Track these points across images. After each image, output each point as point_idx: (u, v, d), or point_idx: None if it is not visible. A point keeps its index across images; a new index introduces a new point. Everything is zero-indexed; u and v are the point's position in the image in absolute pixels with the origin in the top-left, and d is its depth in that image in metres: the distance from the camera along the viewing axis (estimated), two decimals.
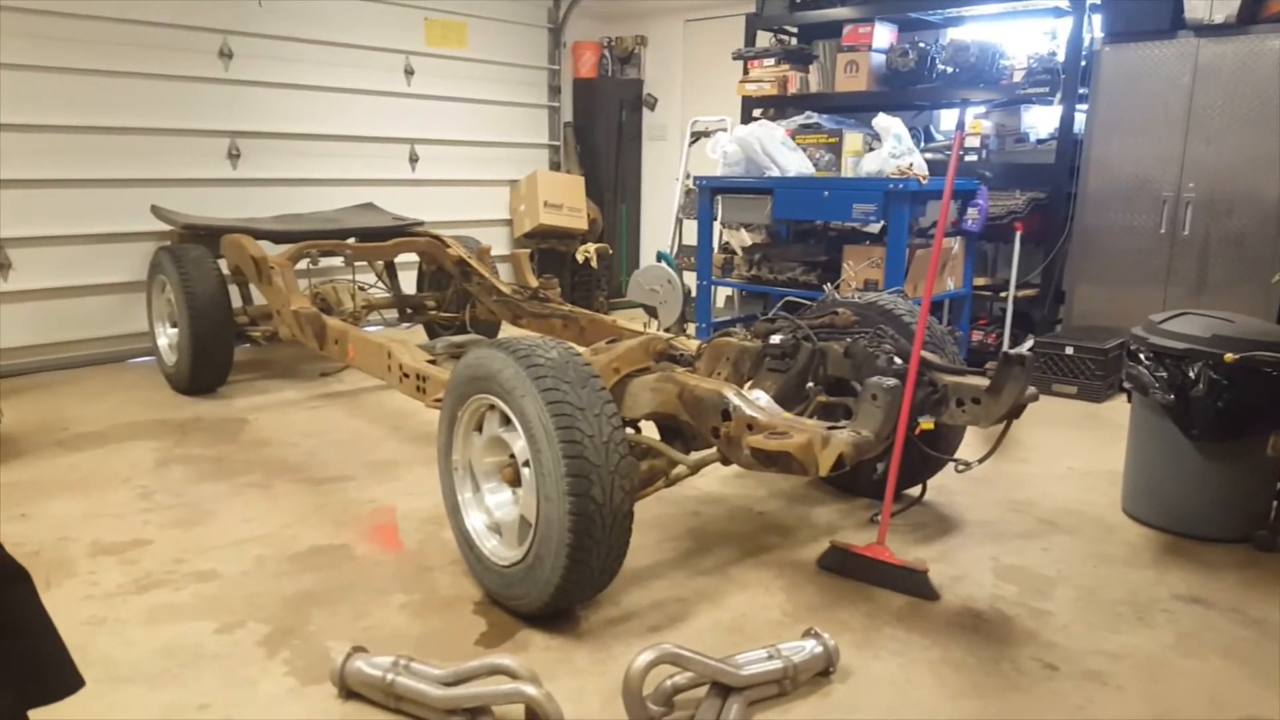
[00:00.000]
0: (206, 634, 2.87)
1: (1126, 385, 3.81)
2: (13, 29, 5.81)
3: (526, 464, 2.77)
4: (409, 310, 6.55)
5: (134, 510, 3.86)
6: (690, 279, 6.91)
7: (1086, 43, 6.16)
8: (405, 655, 2.52)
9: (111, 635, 2.85)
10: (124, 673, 2.65)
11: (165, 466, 4.41)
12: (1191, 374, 3.53)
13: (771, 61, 7.42)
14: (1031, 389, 3.02)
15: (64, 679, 1.54)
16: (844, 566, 3.32)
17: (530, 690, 2.29)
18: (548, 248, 8.64)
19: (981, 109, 6.73)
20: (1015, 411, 3.04)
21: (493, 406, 2.93)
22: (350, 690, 2.52)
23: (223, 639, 2.84)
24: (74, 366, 6.34)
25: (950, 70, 6.60)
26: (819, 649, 2.63)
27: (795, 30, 7.70)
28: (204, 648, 2.79)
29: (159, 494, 4.05)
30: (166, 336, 5.87)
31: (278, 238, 5.97)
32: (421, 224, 6.60)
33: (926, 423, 3.19)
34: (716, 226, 6.74)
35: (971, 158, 6.59)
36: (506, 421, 2.87)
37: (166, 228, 6.21)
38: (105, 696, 2.52)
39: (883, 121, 5.97)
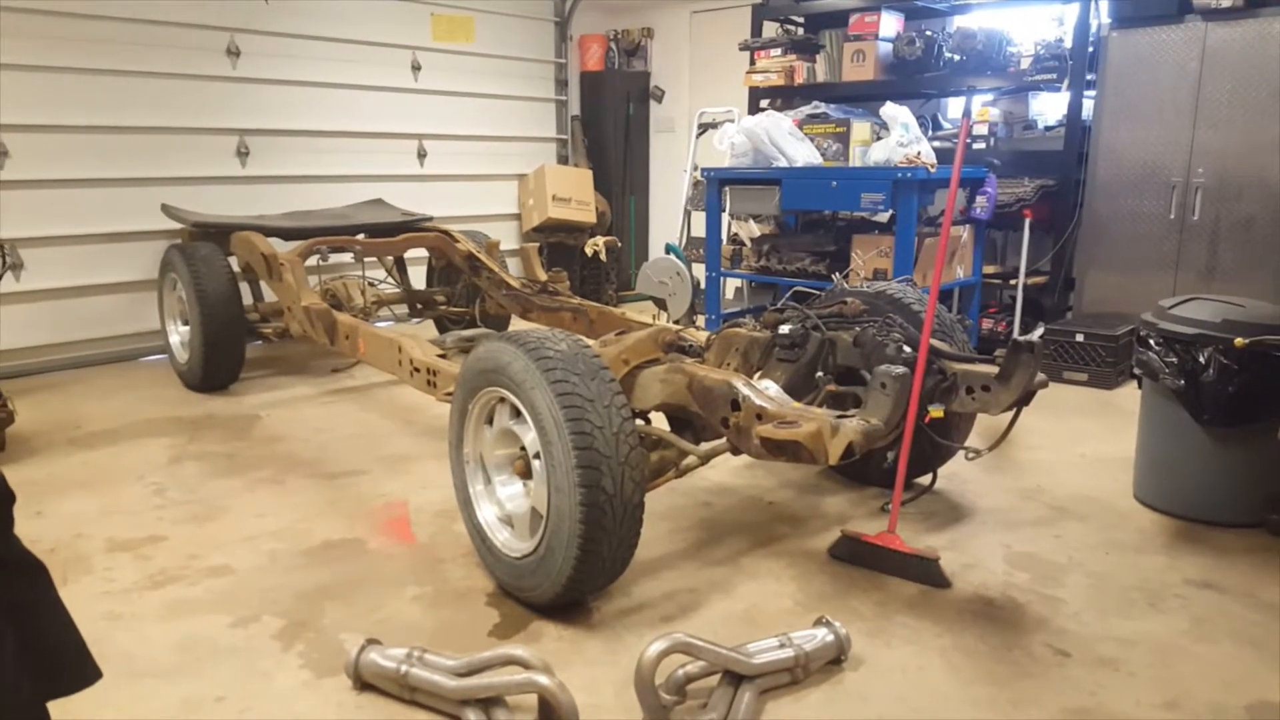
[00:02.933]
0: (222, 628, 2.89)
1: (1137, 371, 3.80)
2: (21, 29, 5.84)
3: (537, 456, 2.78)
4: (419, 305, 6.57)
5: (148, 507, 3.89)
6: (699, 271, 6.91)
7: (1094, 28, 6.13)
8: (419, 647, 2.54)
9: (128, 630, 2.88)
10: (141, 667, 2.67)
11: (178, 463, 4.44)
12: (1201, 359, 3.52)
13: (778, 52, 7.41)
14: (1041, 375, 3.01)
15: (82, 671, 1.56)
16: (855, 555, 3.32)
17: (543, 680, 2.30)
18: (556, 241, 8.65)
19: (989, 96, 6.71)
20: (1025, 398, 3.04)
21: (503, 399, 2.94)
22: (365, 682, 2.54)
23: (238, 633, 2.87)
24: (86, 365, 6.38)
25: (957, 58, 6.58)
26: (830, 637, 2.64)
27: (801, 20, 7.68)
28: (219, 642, 2.82)
29: (172, 490, 4.08)
30: (178, 334, 5.91)
31: (288, 234, 6.00)
32: (430, 219, 6.62)
33: (936, 410, 3.18)
34: (725, 218, 6.74)
35: (980, 145, 6.57)
36: (517, 414, 2.89)
37: (177, 226, 6.24)
38: (123, 690, 2.54)
39: (890, 110, 5.95)
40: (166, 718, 2.45)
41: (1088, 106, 6.24)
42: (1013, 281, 6.43)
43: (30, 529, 3.55)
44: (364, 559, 3.40)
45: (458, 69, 8.27)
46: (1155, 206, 5.99)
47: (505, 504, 3.10)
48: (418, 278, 6.98)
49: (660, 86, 9.65)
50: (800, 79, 7.29)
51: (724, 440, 3.10)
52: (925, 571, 3.18)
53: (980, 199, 5.94)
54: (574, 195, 8.70)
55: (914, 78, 6.81)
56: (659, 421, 3.36)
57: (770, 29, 7.75)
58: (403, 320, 6.78)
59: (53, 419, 5.13)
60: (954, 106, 7.34)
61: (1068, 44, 6.15)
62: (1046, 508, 3.89)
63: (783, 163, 6.11)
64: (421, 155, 8.13)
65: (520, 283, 5.82)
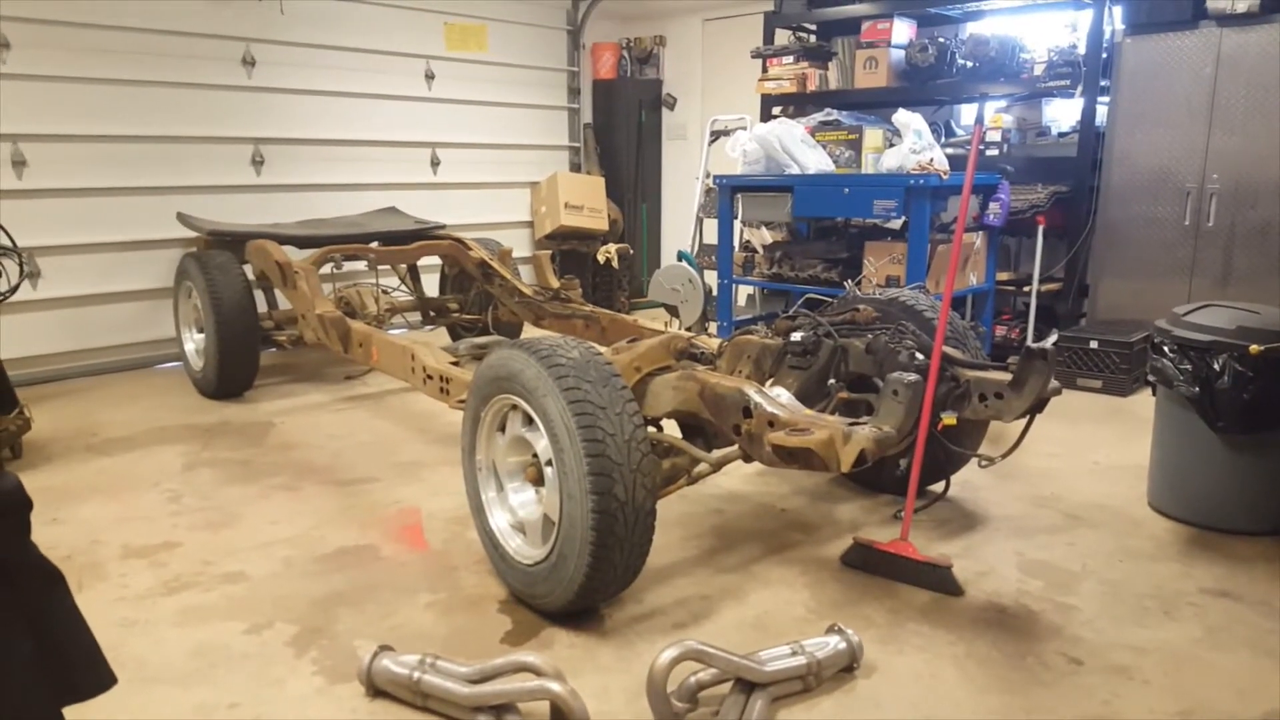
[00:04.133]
0: (236, 634, 2.91)
1: (1151, 378, 3.79)
2: (38, 41, 5.89)
3: (549, 463, 2.79)
4: (432, 313, 6.60)
5: (163, 513, 3.91)
6: (711, 278, 6.91)
7: (1107, 35, 6.11)
8: (431, 653, 2.54)
9: (143, 636, 2.90)
10: (155, 673, 2.69)
11: (193, 470, 4.47)
12: (1216, 366, 3.50)
13: (790, 59, 7.41)
14: (1054, 383, 3.01)
15: (97, 677, 1.57)
16: (867, 563, 3.31)
17: (555, 687, 2.31)
18: (569, 249, 8.66)
19: (1002, 103, 6.69)
20: (1038, 406, 3.03)
21: (515, 406, 2.95)
22: (377, 689, 2.55)
23: (252, 639, 2.88)
24: (103, 373, 6.42)
25: (970, 65, 6.57)
26: (843, 645, 2.63)
27: (814, 27, 7.67)
28: (233, 648, 2.83)
29: (187, 497, 4.10)
30: (193, 342, 5.94)
31: (302, 243, 6.03)
32: (443, 227, 6.64)
33: (949, 418, 3.18)
34: (737, 225, 6.73)
35: (993, 152, 6.55)
36: (529, 421, 2.89)
37: (192, 234, 6.28)
38: (137, 696, 2.56)
39: (903, 117, 5.94)
40: None
41: (1101, 113, 6.22)
42: (1026, 288, 6.40)
43: (47, 535, 3.58)
44: (377, 566, 3.41)
45: (471, 78, 8.31)
46: (1170, 213, 5.97)
47: (517, 511, 3.10)
48: (431, 285, 7.00)
49: (672, 94, 9.67)
50: (812, 86, 7.29)
51: (736, 447, 3.10)
52: (938, 579, 3.17)
53: (993, 205, 5.92)
54: (586, 203, 8.72)
55: (927, 84, 6.80)
56: (671, 429, 3.37)
57: (782, 36, 7.76)
58: (416, 328, 6.81)
59: (69, 426, 5.17)
60: (967, 113, 7.32)
61: (1081, 50, 6.12)
62: (1060, 515, 3.87)
63: (795, 170, 6.10)
64: (435, 163, 8.16)
65: (533, 290, 5.84)
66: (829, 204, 5.93)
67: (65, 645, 1.52)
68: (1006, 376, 3.07)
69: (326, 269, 5.73)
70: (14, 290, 5.06)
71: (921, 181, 5.47)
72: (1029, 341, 5.96)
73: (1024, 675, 2.66)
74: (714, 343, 3.76)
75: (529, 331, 6.08)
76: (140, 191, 6.45)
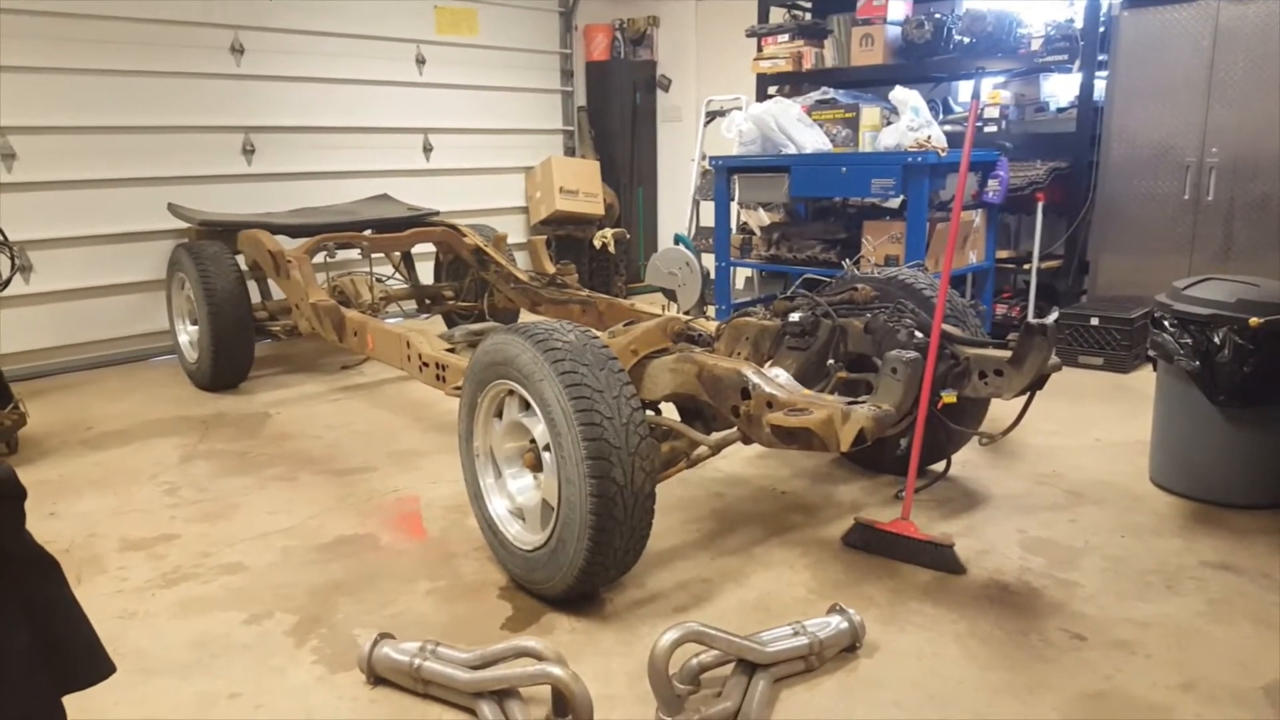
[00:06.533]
0: (235, 625, 2.89)
1: (1152, 354, 3.77)
2: (25, 31, 5.85)
3: (547, 448, 2.77)
4: (427, 300, 6.56)
5: (160, 506, 3.89)
6: (709, 261, 6.88)
7: (1105, 8, 6.07)
8: (432, 641, 2.53)
9: (142, 628, 2.88)
10: (155, 664, 2.67)
11: (190, 462, 4.45)
12: (1216, 340, 3.48)
13: (786, 37, 7.36)
14: (1054, 359, 2.98)
15: (96, 665, 1.57)
16: (869, 543, 3.30)
17: (556, 671, 2.29)
18: (564, 234, 8.62)
19: (1000, 79, 6.65)
20: (1038, 382, 3.01)
21: (512, 392, 2.93)
22: (378, 676, 2.54)
23: (251, 629, 2.87)
24: (97, 366, 6.40)
25: (967, 40, 6.52)
26: (844, 625, 2.62)
27: (809, 5, 7.63)
28: (233, 638, 2.82)
29: (185, 489, 4.08)
30: (187, 334, 5.91)
31: (294, 231, 5.99)
32: (437, 214, 6.60)
33: (949, 396, 3.16)
34: (734, 207, 6.70)
35: (991, 128, 6.52)
36: (526, 406, 2.87)
37: (184, 225, 6.24)
38: (137, 687, 2.54)
39: (900, 94, 5.90)
40: (180, 715, 2.45)
41: (1100, 87, 6.18)
42: (1026, 266, 6.38)
43: (44, 529, 3.57)
44: (376, 554, 3.40)
45: (462, 62, 8.25)
46: (1169, 187, 5.93)
47: (516, 497, 3.09)
48: (425, 273, 6.96)
49: (667, 75, 9.61)
50: (808, 64, 7.25)
51: (735, 430, 3.07)
52: (940, 558, 3.16)
53: (992, 183, 5.89)
54: (581, 187, 8.67)
55: (923, 61, 6.75)
56: (669, 412, 3.35)
57: (777, 14, 7.70)
58: (411, 316, 6.78)
59: (64, 420, 5.15)
60: (964, 90, 7.28)
61: (1079, 24, 6.08)
62: (1062, 492, 3.86)
63: (792, 150, 6.07)
64: (427, 149, 8.11)
65: (528, 276, 5.81)
66: (826, 184, 5.90)
67: (63, 634, 1.52)
68: (1006, 354, 3.05)
69: (320, 258, 5.70)
70: (6, 284, 5.04)
71: (919, 159, 5.45)
72: (1029, 319, 5.95)
73: (1026, 652, 2.65)
74: (711, 326, 3.73)
75: (525, 318, 6.05)
76: (130, 183, 6.41)
